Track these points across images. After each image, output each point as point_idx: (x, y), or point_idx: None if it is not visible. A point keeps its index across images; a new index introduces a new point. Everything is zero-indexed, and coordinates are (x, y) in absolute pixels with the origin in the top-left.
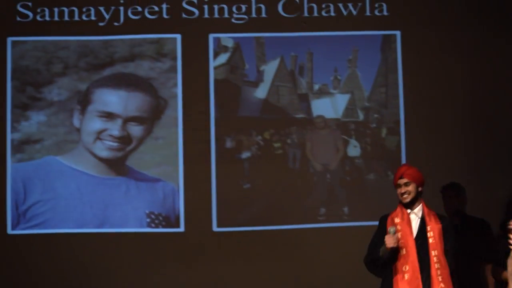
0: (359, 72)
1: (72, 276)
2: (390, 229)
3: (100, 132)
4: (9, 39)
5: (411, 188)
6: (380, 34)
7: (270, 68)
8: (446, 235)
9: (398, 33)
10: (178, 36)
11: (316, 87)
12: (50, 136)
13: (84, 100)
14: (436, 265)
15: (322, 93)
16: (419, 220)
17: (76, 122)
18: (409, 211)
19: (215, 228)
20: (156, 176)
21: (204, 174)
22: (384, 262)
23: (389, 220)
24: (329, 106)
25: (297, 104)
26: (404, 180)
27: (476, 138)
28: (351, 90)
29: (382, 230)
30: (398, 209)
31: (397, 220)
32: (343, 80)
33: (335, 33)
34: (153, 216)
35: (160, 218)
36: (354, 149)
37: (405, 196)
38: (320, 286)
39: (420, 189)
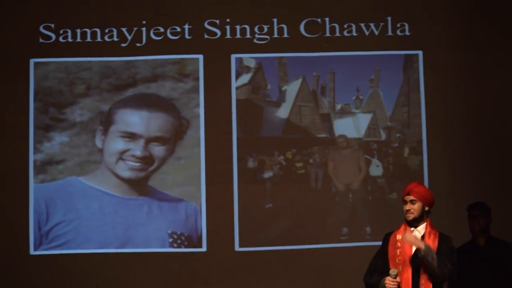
0: (381, 92)
1: None
2: (392, 272)
3: (123, 152)
4: (32, 61)
5: (416, 206)
6: (402, 54)
7: (292, 88)
8: (440, 256)
9: (420, 53)
10: (200, 57)
11: (338, 106)
12: (73, 156)
13: (106, 121)
14: (423, 287)
15: (344, 112)
16: (420, 238)
17: (98, 143)
18: (412, 229)
19: (237, 248)
20: (178, 196)
21: (226, 194)
22: None
23: (392, 237)
24: (351, 126)
25: (319, 124)
26: (411, 198)
27: (500, 158)
28: (373, 110)
29: (383, 247)
30: (402, 227)
31: (399, 237)
32: (365, 100)
33: (357, 53)
34: (175, 236)
35: (183, 238)
36: (376, 169)
37: (409, 214)
38: None
39: (427, 208)
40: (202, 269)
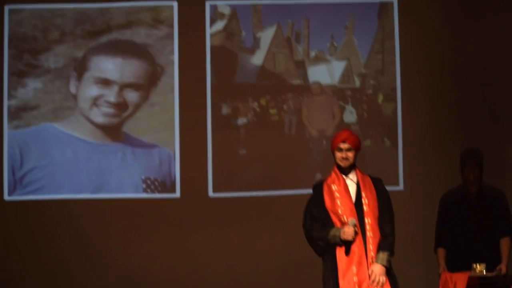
0: (356, 39)
1: (68, 242)
2: (350, 221)
3: (97, 98)
4: (6, 7)
5: (351, 154)
6: (377, 2)
7: (266, 35)
8: (381, 200)
9: (395, 0)
10: (174, 3)
11: (312, 53)
12: (47, 103)
13: (80, 67)
14: (369, 233)
15: (319, 59)
16: (355, 186)
17: (72, 89)
18: (345, 177)
19: (210, 194)
20: (152, 142)
21: (200, 140)
22: (328, 245)
23: (325, 187)
24: (325, 73)
25: (294, 71)
26: (347, 146)
27: (474, 103)
28: (348, 57)
29: (318, 199)
30: (334, 175)
31: (334, 187)
32: (339, 47)
33: (332, 0)
34: (149, 182)
35: (156, 183)
36: (350, 116)
37: (345, 161)
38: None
39: (357, 156)
40: (176, 215)
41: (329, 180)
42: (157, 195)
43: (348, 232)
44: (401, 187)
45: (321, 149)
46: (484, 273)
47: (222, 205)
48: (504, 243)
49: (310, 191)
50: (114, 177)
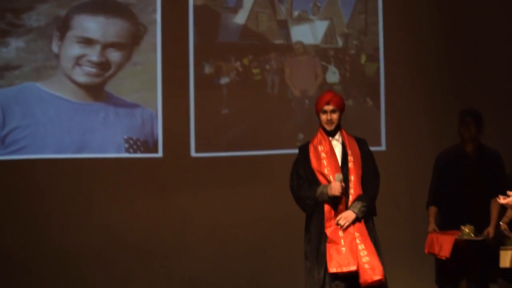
0: None
1: (50, 201)
2: (337, 176)
3: (79, 58)
4: None
5: (336, 115)
6: None
7: None
8: (365, 161)
9: None
10: None
11: (295, 13)
12: (29, 62)
13: (63, 26)
14: (351, 191)
15: (301, 19)
16: (340, 146)
17: (55, 48)
18: (330, 138)
19: (193, 154)
20: (134, 102)
21: (182, 100)
22: (316, 203)
23: (311, 148)
24: (308, 32)
25: (276, 30)
26: (331, 107)
27: (457, 63)
28: (330, 17)
29: (304, 160)
30: (319, 136)
31: (320, 147)
32: (322, 7)
33: None
34: (131, 142)
35: (138, 143)
36: (333, 76)
37: (330, 124)
38: (298, 211)
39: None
40: (158, 175)
41: (315, 141)
42: (139, 155)
43: (335, 187)
44: (383, 147)
45: (304, 109)
46: (472, 236)
47: (205, 164)
48: (494, 205)
49: (292, 150)
50: (96, 137)
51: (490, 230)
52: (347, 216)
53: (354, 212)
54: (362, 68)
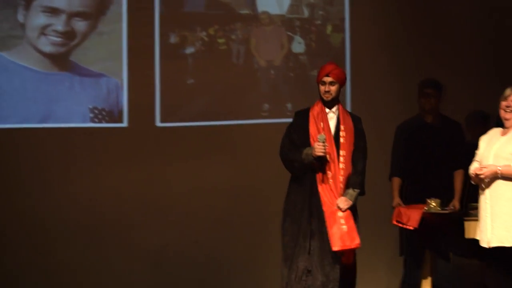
0: None
1: (15, 170)
2: (320, 137)
3: (44, 27)
4: None
5: (335, 88)
6: None
7: None
8: (358, 138)
9: None
10: None
11: None
12: None
13: None
14: (341, 165)
15: None
16: (335, 120)
17: (20, 18)
18: (327, 110)
19: (158, 124)
20: (100, 71)
21: (148, 70)
22: (303, 166)
23: (311, 115)
24: (274, 2)
25: (242, 0)
26: (330, 79)
27: (424, 33)
28: None
29: (299, 125)
30: (317, 107)
31: (322, 124)
32: None
33: None
34: (96, 111)
35: (104, 113)
36: (298, 46)
37: (328, 95)
38: (263, 180)
39: (340, 90)
40: (123, 144)
41: (314, 111)
42: (104, 125)
43: (318, 147)
44: None
45: (269, 79)
46: (439, 209)
47: (170, 134)
48: (458, 176)
49: (257, 121)
50: (61, 106)
51: (456, 203)
52: (343, 200)
53: (352, 201)
54: (327, 39)
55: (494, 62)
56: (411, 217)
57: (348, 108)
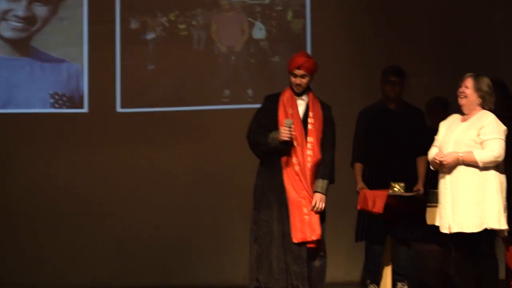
0: None
1: None
2: (287, 121)
3: (5, 12)
4: None
5: (306, 80)
6: None
7: None
8: (326, 126)
9: None
10: None
11: None
12: None
13: None
14: (309, 152)
15: None
16: (304, 106)
17: None
18: (297, 97)
19: (119, 109)
20: (60, 57)
21: (108, 55)
22: (269, 150)
23: (281, 101)
24: None
25: None
26: (302, 72)
27: (387, 20)
28: None
29: (267, 109)
30: (287, 93)
31: (291, 111)
32: None
33: None
34: (57, 97)
35: (64, 98)
36: (259, 32)
37: (299, 87)
38: (224, 167)
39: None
40: (84, 130)
41: (284, 97)
42: (65, 110)
43: (284, 132)
44: None
45: (230, 65)
46: (403, 192)
47: (130, 120)
48: (421, 162)
49: (218, 106)
50: (22, 92)
51: (420, 188)
52: (320, 199)
53: (323, 194)
54: (288, 25)
55: (453, 49)
56: (376, 203)
57: None
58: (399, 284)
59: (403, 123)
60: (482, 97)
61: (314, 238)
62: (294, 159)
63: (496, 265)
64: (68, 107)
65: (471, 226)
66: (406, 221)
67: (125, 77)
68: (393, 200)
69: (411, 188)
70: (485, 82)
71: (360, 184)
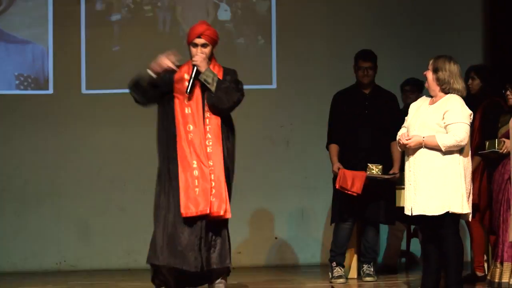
0: None
1: None
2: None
3: None
4: None
5: (207, 50)
6: None
7: None
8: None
9: None
10: None
11: None
12: None
13: None
14: (207, 114)
15: None
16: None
17: None
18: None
19: (84, 91)
20: (25, 38)
21: (73, 37)
22: (142, 81)
23: (175, 78)
24: None
25: None
26: (202, 41)
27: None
28: None
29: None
30: (184, 66)
31: (186, 76)
32: None
33: None
34: (22, 78)
35: (29, 80)
36: (224, 13)
37: (196, 59)
38: None
39: (214, 50)
40: (49, 111)
41: (182, 69)
42: (30, 92)
43: (165, 58)
44: (274, 85)
45: None
46: (380, 175)
47: (95, 102)
48: (395, 146)
49: None
50: None
51: (396, 170)
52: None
53: (209, 73)
54: (253, 6)
55: (428, 30)
56: (355, 183)
57: (274, 76)
58: (365, 266)
59: (377, 107)
60: (437, 78)
61: (200, 213)
62: (190, 129)
63: (460, 247)
64: (33, 89)
65: (433, 208)
66: (375, 203)
67: (90, 59)
68: (368, 182)
69: (387, 171)
70: (445, 62)
71: (337, 164)
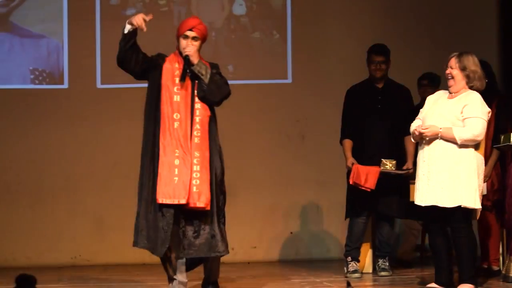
0: None
1: None
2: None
3: None
4: None
5: (197, 43)
6: None
7: None
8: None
9: None
10: None
11: None
12: None
13: None
14: (196, 105)
15: None
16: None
17: None
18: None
19: (99, 85)
20: (40, 33)
21: (88, 31)
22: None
23: (164, 66)
24: None
25: None
26: (194, 34)
27: None
28: None
29: (159, 65)
30: (173, 57)
31: (176, 65)
32: None
33: None
34: (37, 73)
35: (44, 74)
36: (239, 8)
37: (190, 49)
38: None
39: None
40: (64, 106)
41: (171, 59)
42: (45, 86)
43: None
44: (289, 79)
45: (210, 41)
46: (394, 170)
47: (110, 96)
48: (409, 141)
49: None
50: (1, 67)
51: (410, 165)
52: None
53: (201, 63)
54: (269, 0)
55: (444, 24)
56: (369, 178)
57: (289, 71)
58: (380, 261)
59: (391, 101)
60: (467, 76)
61: (177, 202)
62: (174, 114)
63: (473, 241)
64: (48, 83)
65: (445, 200)
66: (390, 198)
67: (105, 53)
68: (382, 177)
69: (401, 166)
70: (470, 59)
71: (351, 159)
